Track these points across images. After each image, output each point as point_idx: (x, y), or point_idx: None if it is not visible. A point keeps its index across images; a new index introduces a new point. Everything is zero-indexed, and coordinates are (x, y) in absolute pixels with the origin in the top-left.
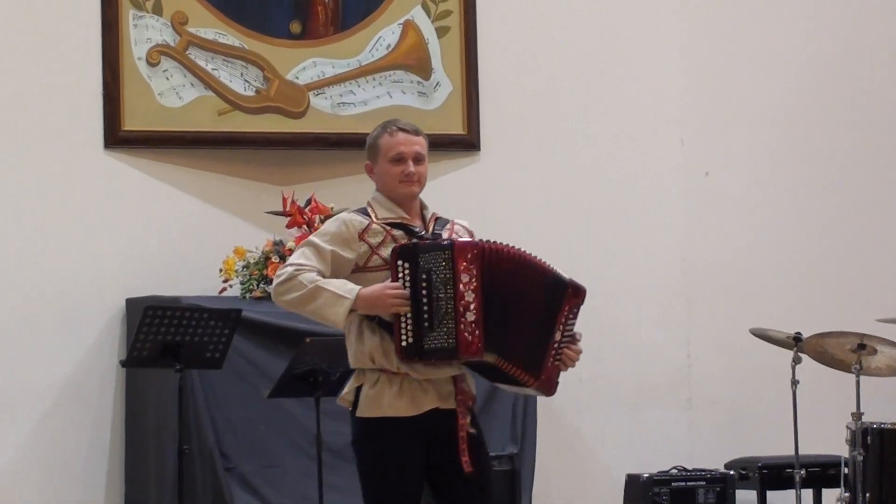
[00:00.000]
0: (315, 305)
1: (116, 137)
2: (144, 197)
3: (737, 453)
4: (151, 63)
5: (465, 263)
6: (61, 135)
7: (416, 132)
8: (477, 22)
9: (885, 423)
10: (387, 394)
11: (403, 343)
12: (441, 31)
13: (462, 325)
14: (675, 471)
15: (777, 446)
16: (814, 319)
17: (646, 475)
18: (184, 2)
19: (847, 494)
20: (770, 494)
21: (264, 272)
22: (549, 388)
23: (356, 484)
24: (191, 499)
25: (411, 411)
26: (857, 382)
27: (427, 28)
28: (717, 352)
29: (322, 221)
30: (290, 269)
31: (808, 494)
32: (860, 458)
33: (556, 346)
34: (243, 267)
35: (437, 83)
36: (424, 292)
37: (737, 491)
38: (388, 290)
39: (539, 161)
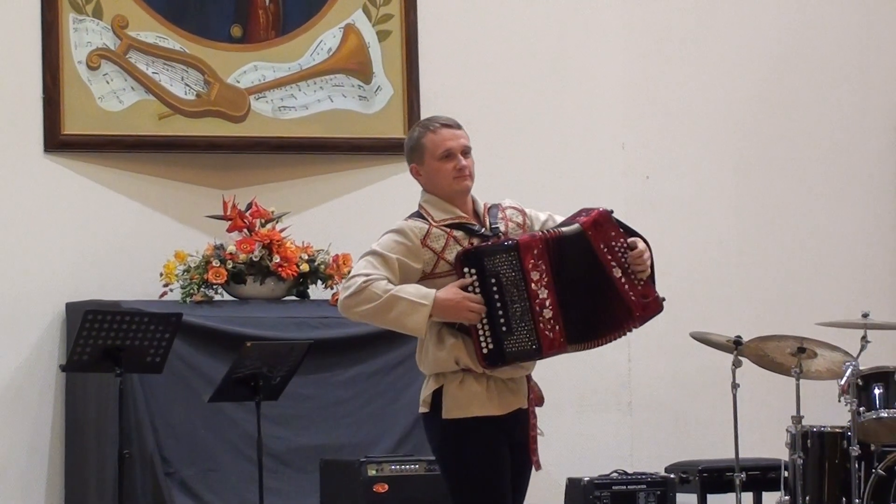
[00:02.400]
0: (393, 315)
1: (57, 141)
2: (85, 201)
3: (677, 457)
4: (92, 67)
5: (532, 261)
6: (1, 139)
7: (459, 126)
8: (418, 26)
9: (824, 427)
10: (476, 393)
11: (485, 350)
12: (382, 35)
13: (541, 325)
14: (615, 474)
15: (717, 450)
16: (754, 323)
17: (586, 479)
18: (124, 5)
19: (787, 498)
20: (710, 498)
21: (205, 276)
22: (655, 310)
23: (296, 488)
24: (131, 503)
25: (501, 410)
26: (797, 386)
27: (368, 32)
28: (658, 355)
29: (263, 225)
30: (358, 279)
31: (748, 498)
32: (800, 461)
33: (623, 279)
34: (184, 271)
35: (378, 87)
36: (497, 297)
37: (677, 494)
38: (466, 300)
39: (480, 165)
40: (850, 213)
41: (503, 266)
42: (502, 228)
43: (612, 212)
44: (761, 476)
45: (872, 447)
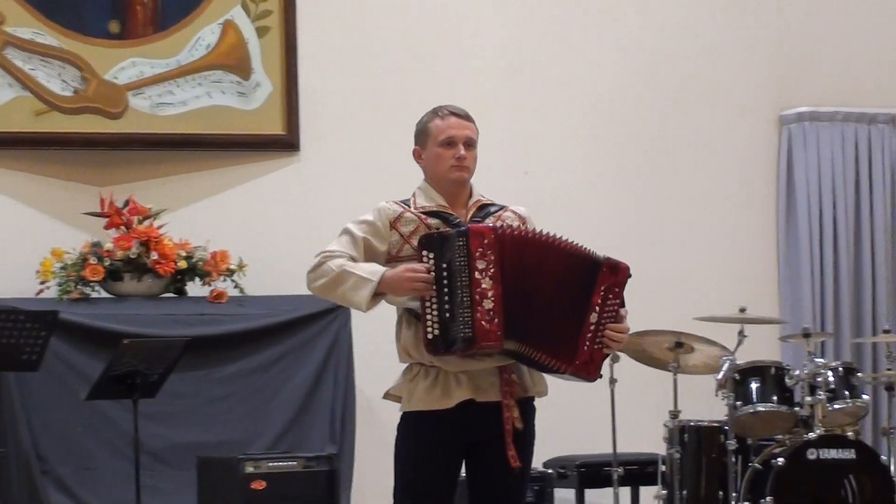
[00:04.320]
0: (342, 290)
1: None
2: None
3: (555, 452)
4: None
5: (480, 249)
6: None
7: (468, 117)
8: (297, 22)
9: (701, 421)
10: (420, 387)
11: (430, 336)
12: (261, 31)
13: (479, 314)
14: None
15: (595, 445)
16: (631, 318)
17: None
18: (0, 1)
19: (664, 492)
20: (588, 493)
21: (82, 273)
22: (590, 373)
23: (173, 486)
24: (6, 501)
25: (442, 404)
26: (675, 381)
27: (247, 28)
28: None
29: (140, 222)
30: (319, 257)
31: (625, 492)
32: (677, 455)
33: (592, 328)
34: (61, 268)
35: (257, 83)
36: (446, 282)
37: (555, 489)
38: (408, 272)
39: (359, 161)
40: (728, 208)
41: (454, 251)
42: (489, 223)
43: (630, 275)
44: (639, 470)
45: (749, 441)
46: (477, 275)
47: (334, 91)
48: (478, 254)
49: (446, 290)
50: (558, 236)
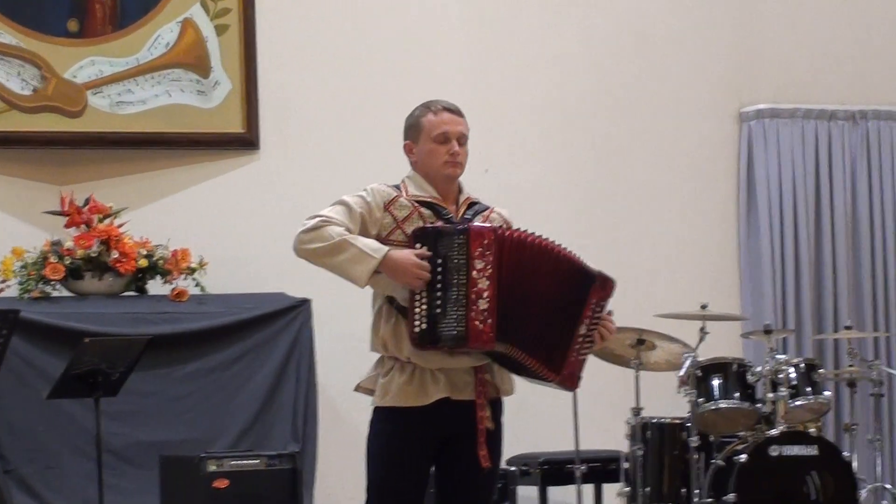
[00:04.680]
0: (340, 259)
1: None
2: None
3: (518, 449)
4: None
5: (479, 249)
6: None
7: (460, 112)
8: (256, 20)
9: (664, 418)
10: (395, 383)
11: (417, 329)
12: (220, 30)
13: (473, 313)
14: None
15: (558, 442)
16: None
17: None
18: None
19: (627, 489)
20: (551, 490)
21: (42, 272)
22: (573, 383)
23: (136, 485)
24: None
25: (418, 401)
26: (637, 377)
27: (206, 26)
28: None
29: (101, 221)
30: (316, 219)
31: (588, 489)
32: (640, 452)
33: (580, 340)
34: (21, 267)
35: (216, 82)
36: (439, 277)
37: (518, 487)
38: (417, 266)
39: (319, 159)
40: (689, 204)
41: (451, 249)
42: (477, 223)
43: (615, 288)
44: (602, 468)
45: (711, 438)
46: (474, 274)
47: (294, 89)
48: (477, 253)
49: (439, 285)
50: (555, 243)
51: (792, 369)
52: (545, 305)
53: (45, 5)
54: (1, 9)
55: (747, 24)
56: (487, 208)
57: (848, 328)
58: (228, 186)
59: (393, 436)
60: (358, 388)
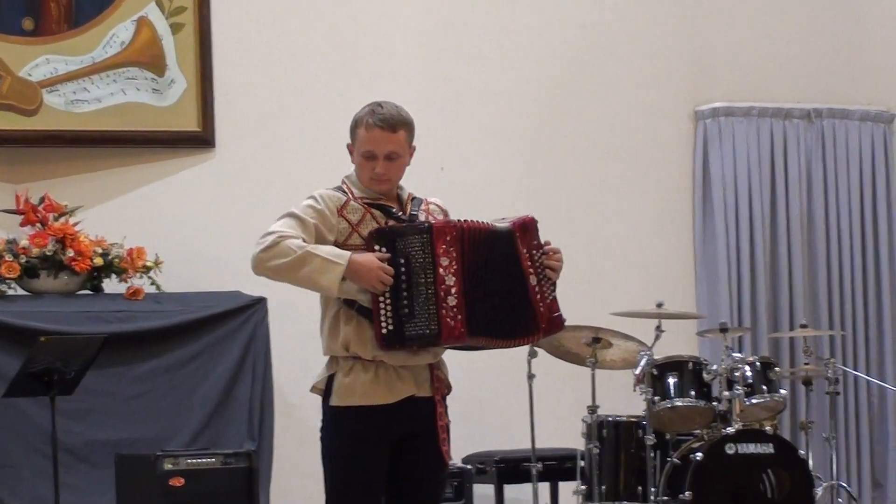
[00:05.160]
0: (305, 272)
1: None
2: None
3: (474, 448)
4: None
5: (444, 246)
6: None
7: (394, 128)
8: (211, 19)
9: (620, 416)
10: (361, 382)
11: (384, 330)
12: (175, 28)
13: (444, 311)
14: None
15: (514, 440)
16: None
17: None
18: None
19: (583, 487)
20: (507, 488)
21: None
22: (557, 326)
23: (92, 484)
24: None
25: (387, 399)
26: (593, 376)
27: (161, 25)
28: None
29: (56, 219)
30: (272, 236)
31: (544, 488)
32: (596, 450)
33: (537, 288)
34: None
35: (172, 80)
36: (404, 278)
37: (474, 485)
38: (380, 269)
39: (275, 157)
40: (645, 202)
41: (414, 248)
42: (421, 218)
43: (538, 221)
44: (558, 466)
45: (667, 436)
46: (441, 271)
47: (249, 88)
48: (441, 250)
49: (404, 285)
50: (479, 220)
51: (748, 367)
52: (497, 284)
53: (1, 4)
54: None
55: (701, 21)
56: (423, 200)
57: (803, 326)
58: (184, 185)
59: (357, 435)
60: (313, 390)
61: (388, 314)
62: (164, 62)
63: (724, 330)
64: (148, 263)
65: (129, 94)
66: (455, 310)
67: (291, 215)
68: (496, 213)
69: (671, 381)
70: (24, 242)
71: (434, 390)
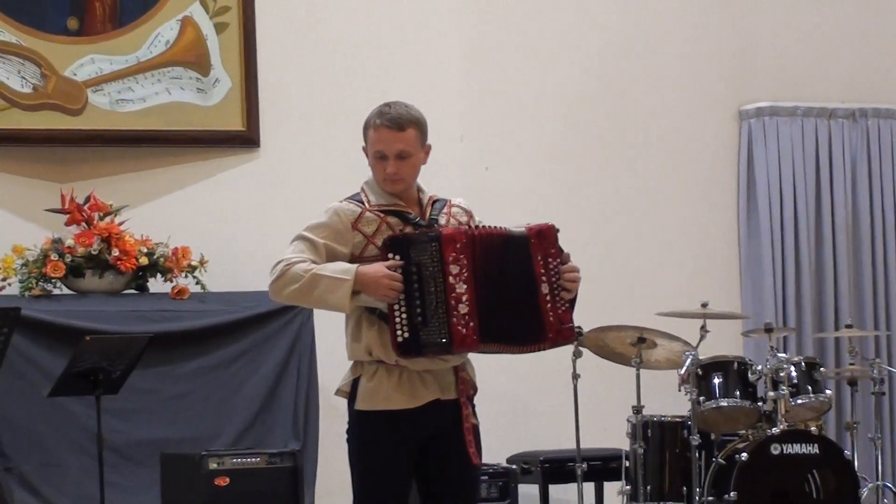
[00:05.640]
0: (316, 294)
1: None
2: None
3: (519, 448)
4: None
5: (453, 254)
6: None
7: (403, 126)
8: (256, 18)
9: (664, 416)
10: (385, 386)
11: (399, 339)
12: (220, 28)
13: (455, 319)
14: None
15: (559, 440)
16: (594, 313)
17: None
18: None
19: (628, 487)
20: (552, 488)
21: (43, 270)
22: (567, 337)
23: (137, 483)
24: None
25: (410, 404)
26: (638, 376)
27: (206, 24)
28: None
29: (101, 219)
30: (281, 264)
31: (589, 488)
32: (641, 450)
33: (548, 297)
34: (22, 265)
35: (216, 79)
36: (416, 286)
37: (519, 485)
38: (385, 277)
39: (319, 156)
40: (690, 202)
41: (425, 256)
42: (442, 222)
43: (558, 230)
44: (602, 466)
45: (712, 436)
46: (451, 279)
47: (294, 86)
48: (451, 258)
49: (417, 293)
50: (493, 226)
51: (793, 368)
52: (508, 290)
53: (46, 4)
54: (1, 8)
55: (746, 21)
56: (446, 202)
57: (849, 326)
58: (229, 184)
59: (383, 440)
60: (338, 393)
61: (404, 322)
62: (209, 61)
63: (769, 330)
64: (193, 263)
65: (173, 94)
66: (467, 318)
67: (301, 238)
68: (540, 215)
69: (716, 381)
70: (69, 242)
71: (459, 392)
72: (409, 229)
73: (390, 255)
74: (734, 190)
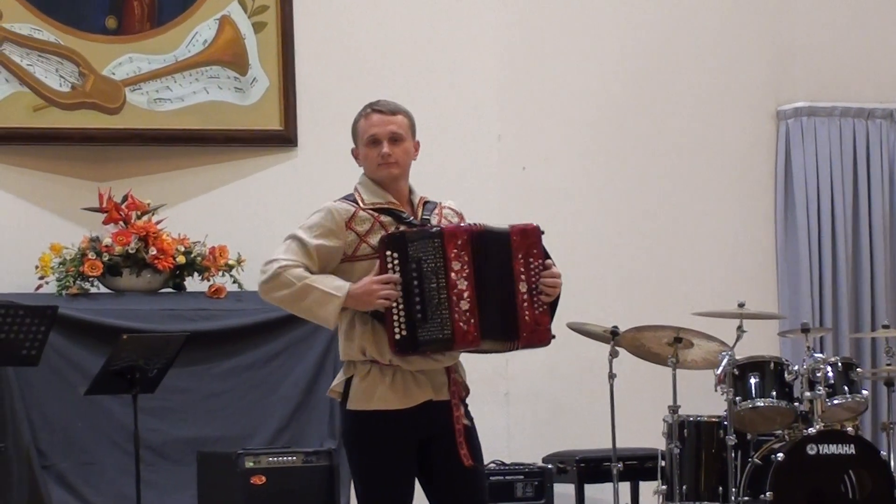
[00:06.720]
0: (306, 304)
1: None
2: None
3: (554, 447)
4: None
5: (455, 250)
6: None
7: (394, 111)
8: (294, 17)
9: (700, 416)
10: (378, 386)
11: (397, 336)
12: (258, 27)
13: (456, 315)
14: (493, 465)
15: (595, 440)
16: (630, 313)
17: None
18: None
19: (664, 487)
20: (588, 488)
21: (80, 269)
22: (540, 339)
23: (173, 481)
24: (7, 497)
25: (404, 404)
26: (674, 375)
27: (244, 23)
28: None
29: (139, 218)
30: (274, 265)
31: (625, 487)
32: (677, 450)
33: (525, 296)
34: (60, 263)
35: (254, 79)
36: (416, 283)
37: (555, 485)
38: (374, 283)
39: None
40: (726, 203)
41: (426, 252)
42: (434, 222)
43: (542, 232)
44: (638, 465)
45: (748, 436)
46: (453, 275)
47: (331, 86)
48: (453, 254)
49: (416, 290)
50: (483, 223)
51: (829, 368)
52: (494, 287)
53: (84, 3)
54: (40, 6)
55: (784, 21)
56: (437, 204)
57: (886, 327)
58: (266, 183)
59: (376, 439)
60: (331, 393)
61: (402, 320)
62: (247, 61)
63: (805, 330)
64: (230, 262)
65: (211, 93)
66: (468, 314)
67: (294, 238)
68: (576, 214)
69: (752, 381)
70: (107, 240)
71: (451, 394)
72: (402, 228)
73: (388, 253)
74: (771, 190)
